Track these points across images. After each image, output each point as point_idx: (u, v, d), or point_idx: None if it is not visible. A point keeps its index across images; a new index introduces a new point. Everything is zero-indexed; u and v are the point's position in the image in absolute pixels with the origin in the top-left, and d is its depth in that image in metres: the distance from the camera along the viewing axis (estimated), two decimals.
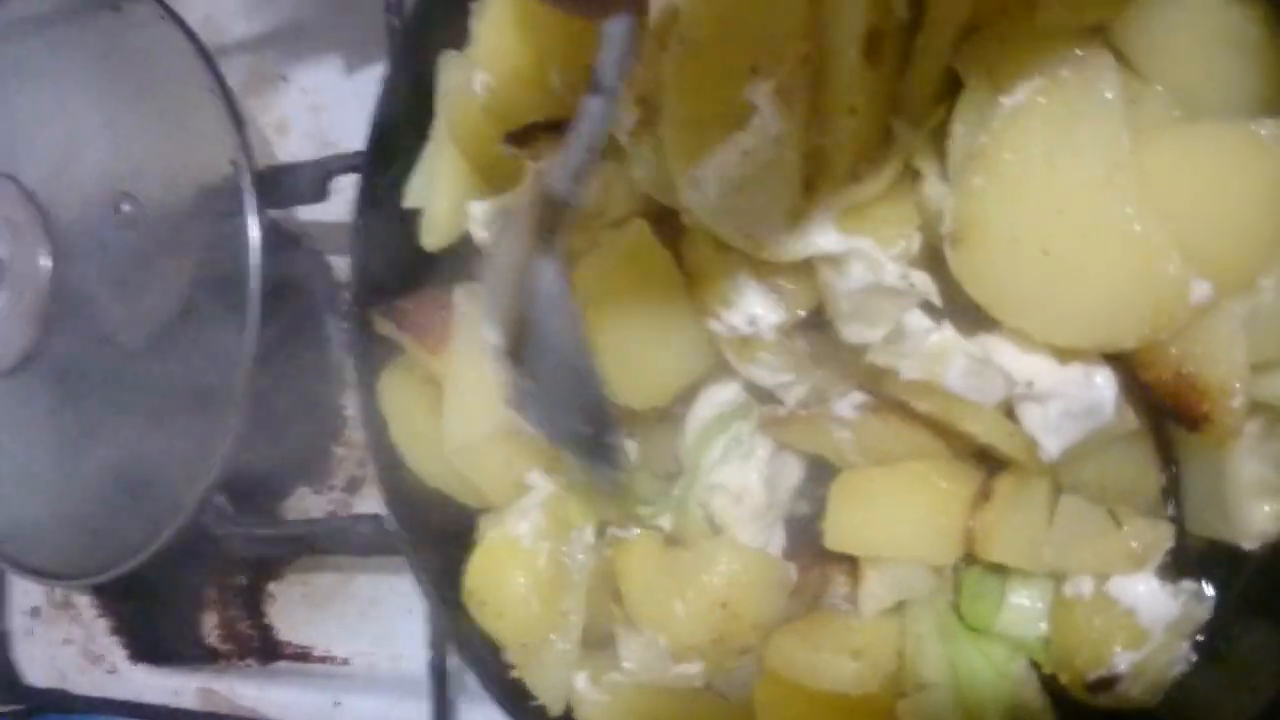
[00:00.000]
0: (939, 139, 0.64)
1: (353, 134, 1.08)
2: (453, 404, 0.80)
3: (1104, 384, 0.61)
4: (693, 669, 0.75)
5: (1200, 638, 0.67)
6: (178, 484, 1.02)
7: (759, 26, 0.62)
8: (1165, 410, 0.61)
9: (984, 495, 0.67)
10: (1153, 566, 0.65)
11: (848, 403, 0.68)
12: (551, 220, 0.60)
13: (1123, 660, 0.65)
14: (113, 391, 1.06)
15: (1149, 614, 0.65)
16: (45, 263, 1.05)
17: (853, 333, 0.66)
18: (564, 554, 0.78)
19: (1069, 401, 0.61)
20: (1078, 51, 0.58)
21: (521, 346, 0.66)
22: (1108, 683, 0.66)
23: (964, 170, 0.61)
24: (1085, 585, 0.66)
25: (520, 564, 0.77)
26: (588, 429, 0.69)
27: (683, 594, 0.72)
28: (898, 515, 0.68)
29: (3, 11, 1.12)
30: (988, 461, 0.69)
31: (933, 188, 0.64)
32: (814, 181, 0.64)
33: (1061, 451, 0.62)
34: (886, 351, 0.65)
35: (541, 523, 0.77)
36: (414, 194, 0.87)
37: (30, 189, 1.06)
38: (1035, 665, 0.70)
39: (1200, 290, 0.57)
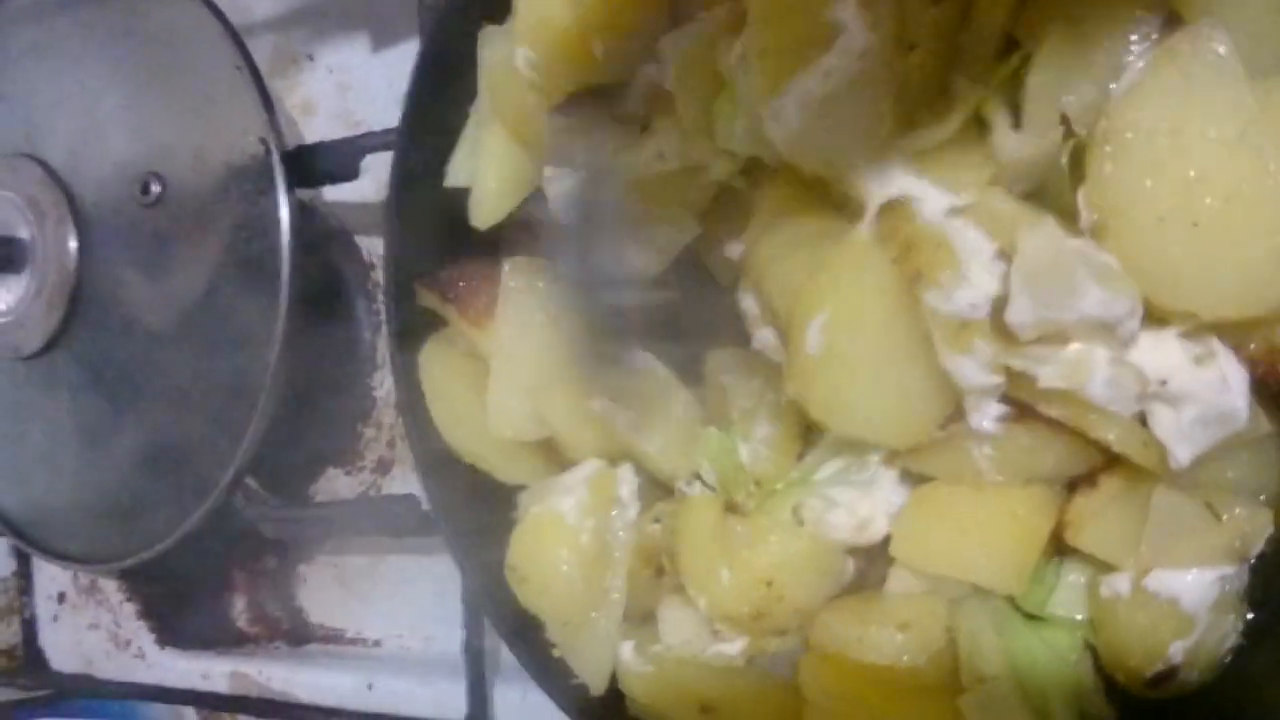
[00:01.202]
0: (1011, 88, 0.63)
1: (380, 113, 1.09)
2: (500, 379, 0.79)
3: (1238, 388, 0.59)
4: (732, 647, 0.75)
5: (1249, 614, 0.66)
6: (206, 467, 1.01)
7: None
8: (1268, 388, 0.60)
9: (1089, 483, 0.65)
10: (1253, 557, 0.64)
11: (987, 415, 0.64)
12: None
13: (1177, 651, 0.64)
14: (140, 374, 1.05)
15: (1191, 600, 0.64)
16: (71, 244, 1.05)
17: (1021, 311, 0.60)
18: (607, 530, 0.77)
19: (1204, 406, 0.59)
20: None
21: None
22: (1167, 676, 0.65)
23: (1090, 159, 0.60)
24: (1122, 583, 0.65)
25: (564, 540, 0.76)
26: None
27: (730, 562, 0.71)
28: (972, 540, 0.67)
29: None
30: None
31: (1004, 139, 0.62)
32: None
33: (1193, 460, 0.60)
34: (1026, 356, 0.61)
35: (586, 499, 0.77)
36: (456, 172, 0.85)
37: (55, 170, 1.06)
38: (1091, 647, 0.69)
39: None
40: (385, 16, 1.07)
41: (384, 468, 1.12)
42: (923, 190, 0.64)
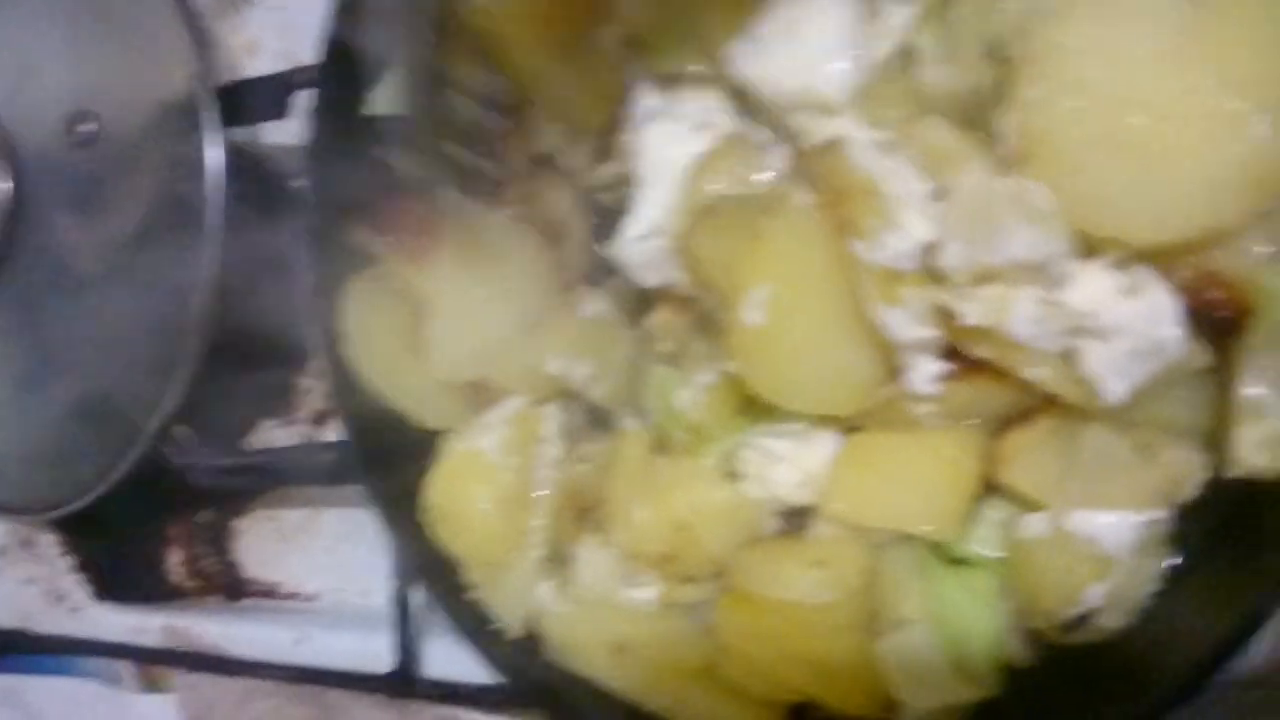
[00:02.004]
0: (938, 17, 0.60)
1: None
2: (444, 316, 0.77)
3: (1171, 317, 0.57)
4: (647, 592, 0.73)
5: (1175, 559, 0.64)
6: (138, 414, 0.99)
7: None
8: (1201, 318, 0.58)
9: (1025, 419, 0.63)
10: (1183, 501, 0.62)
11: (923, 375, 0.62)
12: None
13: (1094, 594, 0.62)
14: (73, 319, 1.03)
15: (1112, 542, 0.62)
16: (4, 184, 1.02)
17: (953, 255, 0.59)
18: (530, 469, 0.75)
19: (1135, 339, 0.57)
20: None
21: None
22: (1082, 619, 0.63)
23: (1012, 84, 0.58)
24: (1041, 523, 0.63)
25: (484, 479, 0.74)
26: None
27: (648, 501, 0.69)
28: (902, 488, 0.65)
29: None
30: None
31: (930, 70, 0.60)
32: None
33: (1127, 394, 0.58)
34: (949, 294, 0.59)
35: (508, 436, 0.74)
36: (376, 101, 0.83)
37: None
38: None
39: None
40: None
41: (320, 420, 1.10)
42: (849, 128, 0.62)
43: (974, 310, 0.58)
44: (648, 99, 0.69)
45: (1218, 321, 0.57)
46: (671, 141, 0.67)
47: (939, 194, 0.58)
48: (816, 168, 0.62)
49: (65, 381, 1.04)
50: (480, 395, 0.79)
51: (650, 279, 0.69)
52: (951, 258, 0.57)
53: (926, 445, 0.64)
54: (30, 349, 1.05)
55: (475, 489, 0.74)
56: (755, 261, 0.63)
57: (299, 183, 1.06)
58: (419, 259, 0.78)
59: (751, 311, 0.62)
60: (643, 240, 0.68)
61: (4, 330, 1.06)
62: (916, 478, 0.64)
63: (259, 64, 1.11)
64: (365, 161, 0.82)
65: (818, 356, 0.63)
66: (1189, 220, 0.55)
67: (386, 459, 0.83)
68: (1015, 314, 0.57)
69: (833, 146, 0.61)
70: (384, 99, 0.83)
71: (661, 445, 0.74)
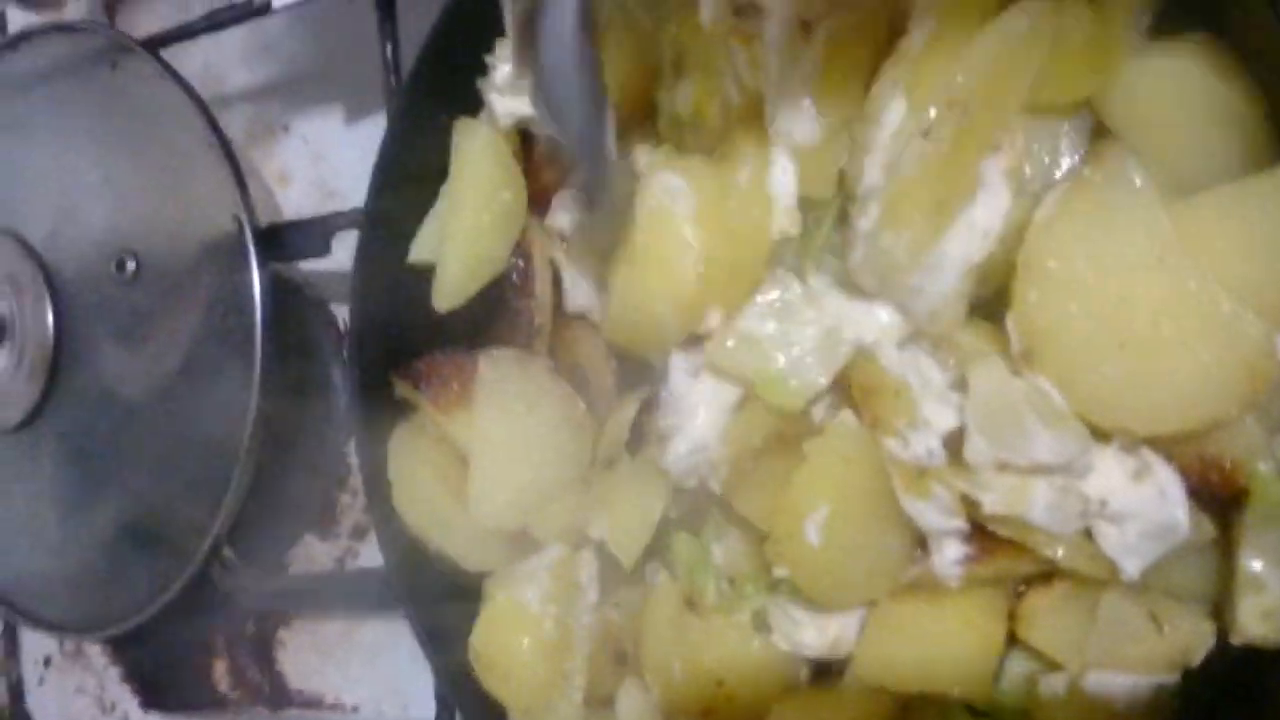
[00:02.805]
0: None
1: (354, 182, 1.08)
2: (482, 470, 0.80)
3: (1175, 497, 0.60)
4: None
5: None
6: (185, 537, 1.02)
7: None
8: (1205, 495, 0.61)
9: (1044, 580, 0.66)
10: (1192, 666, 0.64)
11: (949, 557, 0.65)
12: None
13: None
14: (120, 445, 1.07)
15: (1125, 701, 0.64)
16: (49, 319, 1.06)
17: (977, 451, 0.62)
18: (569, 616, 0.78)
19: (1146, 522, 0.60)
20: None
21: (529, 31, 0.60)
22: None
23: (1014, 287, 0.61)
24: (1060, 682, 0.65)
25: (527, 628, 0.77)
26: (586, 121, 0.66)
27: (684, 656, 0.72)
28: (933, 653, 0.67)
29: (2, 67, 1.12)
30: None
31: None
32: None
33: (1142, 571, 0.61)
34: (970, 482, 0.62)
35: (548, 585, 0.78)
36: (420, 248, 0.86)
37: (33, 245, 1.07)
38: None
39: None
40: (357, 89, 1.08)
41: (360, 533, 1.12)
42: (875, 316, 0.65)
43: (994, 500, 0.61)
44: (677, 360, 0.72)
45: (1220, 500, 0.60)
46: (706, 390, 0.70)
47: (958, 385, 0.61)
48: (850, 370, 0.66)
49: (115, 505, 1.08)
50: (522, 540, 0.81)
51: (695, 483, 0.72)
52: (976, 454, 0.60)
53: (952, 610, 0.67)
54: (81, 474, 1.09)
55: (518, 638, 0.77)
56: (807, 487, 0.66)
57: (343, 310, 1.11)
58: (456, 410, 0.82)
59: (810, 534, 0.66)
60: (688, 456, 0.70)
61: (55, 456, 1.10)
62: (944, 642, 0.67)
63: (292, 192, 1.15)
64: (407, 310, 0.85)
65: (863, 555, 0.67)
66: (1187, 414, 0.58)
67: (432, 596, 0.86)
68: (1033, 502, 0.60)
69: (864, 349, 0.65)
70: (425, 247, 0.86)
71: (691, 600, 0.77)
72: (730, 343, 0.68)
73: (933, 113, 0.61)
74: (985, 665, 0.67)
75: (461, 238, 0.83)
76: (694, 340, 0.71)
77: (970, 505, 0.63)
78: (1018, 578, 0.66)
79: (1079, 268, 0.58)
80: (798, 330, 0.66)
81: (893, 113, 0.63)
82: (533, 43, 0.59)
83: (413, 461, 0.84)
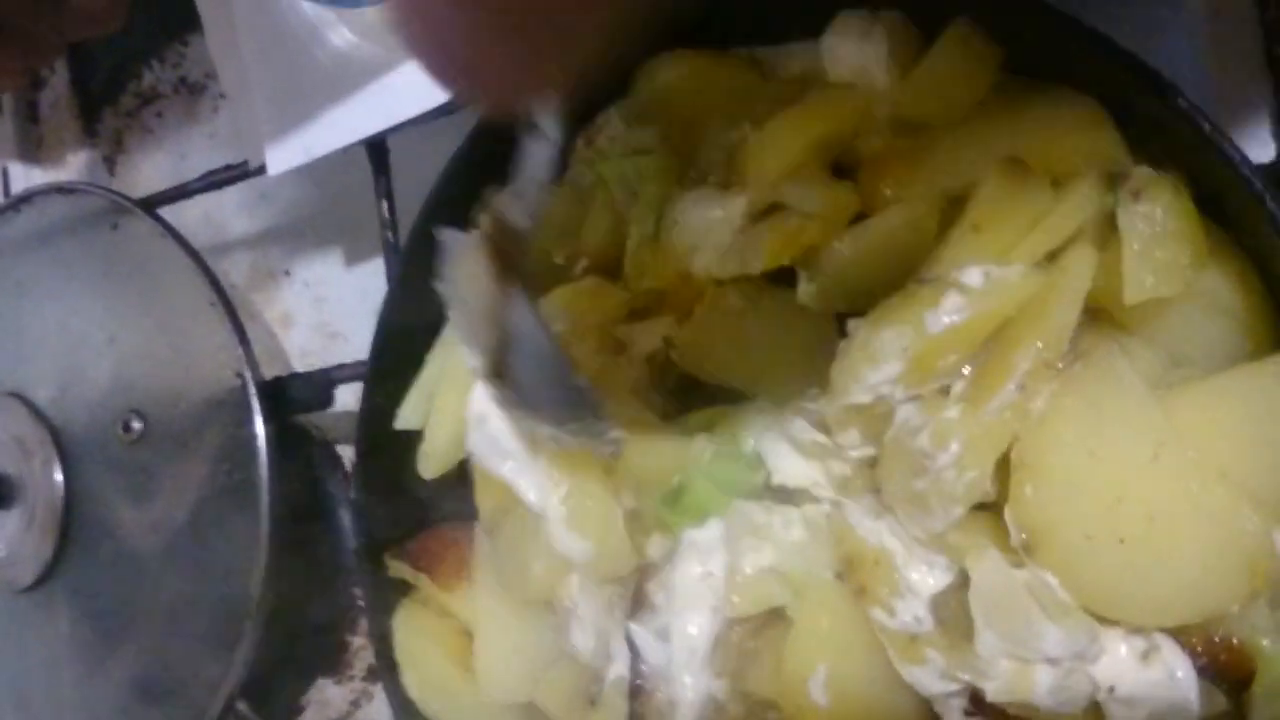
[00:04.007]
0: None
1: (356, 323, 1.11)
2: (487, 644, 0.80)
3: (1186, 679, 0.60)
4: None
5: None
6: (199, 690, 1.02)
7: None
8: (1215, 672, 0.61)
9: None
10: None
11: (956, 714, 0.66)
12: (513, 252, 0.61)
13: None
14: (132, 601, 1.07)
15: None
16: (57, 480, 1.06)
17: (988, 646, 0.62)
18: None
19: (1156, 703, 0.60)
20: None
21: (502, 364, 0.66)
22: None
23: (1012, 480, 0.61)
24: None
25: None
26: (572, 416, 0.69)
27: None
28: None
29: (2, 230, 1.14)
30: None
31: None
32: None
33: None
34: (971, 669, 0.62)
35: None
36: (408, 416, 0.86)
37: (39, 407, 1.08)
38: None
39: None
40: (356, 235, 1.10)
41: (373, 675, 1.12)
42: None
43: (996, 688, 0.61)
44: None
45: (1230, 679, 0.60)
46: (698, 576, 0.71)
47: (960, 581, 0.62)
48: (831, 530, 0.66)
49: (129, 662, 1.08)
50: (533, 712, 0.81)
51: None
52: (986, 649, 0.60)
53: None
54: (94, 632, 1.09)
55: None
56: (801, 649, 0.66)
57: (348, 450, 1.12)
58: (456, 585, 0.82)
59: (816, 694, 0.66)
60: (686, 659, 0.71)
61: (69, 615, 1.10)
62: None
63: (294, 334, 1.16)
64: (408, 489, 0.86)
65: (875, 709, 0.66)
66: (1188, 608, 0.58)
67: None
68: (1037, 687, 0.60)
69: (839, 513, 0.65)
70: (412, 416, 0.87)
71: None
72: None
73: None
74: None
75: (449, 407, 0.83)
76: None
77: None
78: None
79: (1074, 464, 0.58)
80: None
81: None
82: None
83: (420, 641, 0.84)
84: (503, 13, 0.44)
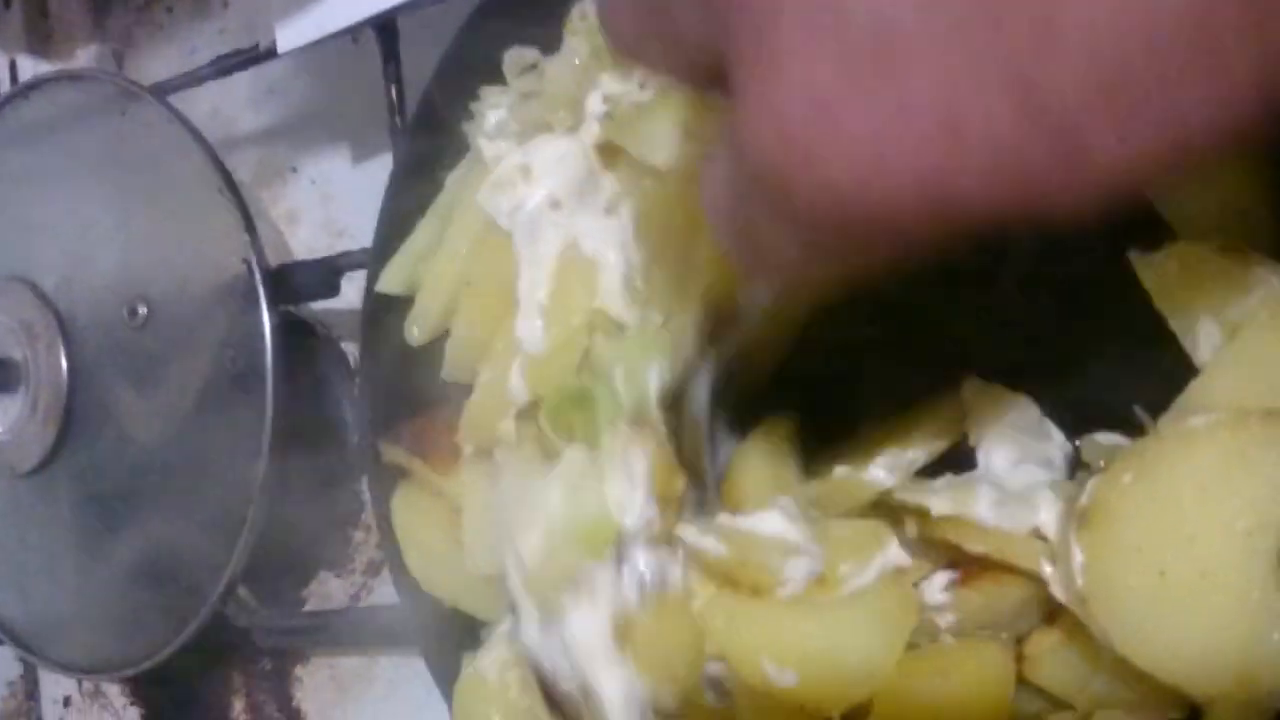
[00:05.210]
0: None
1: (362, 220, 1.10)
2: (474, 521, 0.79)
3: None
4: None
5: None
6: (200, 577, 1.03)
7: None
8: None
9: (1047, 620, 0.66)
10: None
11: (935, 585, 0.66)
12: None
13: None
14: (134, 488, 1.08)
15: None
16: (62, 365, 1.07)
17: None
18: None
19: None
20: None
21: None
22: None
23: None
24: None
25: (493, 700, 0.77)
26: None
27: None
28: (951, 704, 0.66)
29: (9, 118, 1.14)
30: None
31: None
32: None
33: None
34: (912, 490, 0.64)
35: (505, 655, 0.77)
36: (390, 279, 0.86)
37: (45, 292, 1.08)
38: None
39: None
40: (362, 131, 1.10)
41: (374, 569, 1.13)
42: None
43: (940, 502, 0.65)
44: None
45: None
46: None
47: None
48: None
49: (131, 547, 1.09)
50: None
51: None
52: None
53: (962, 659, 0.66)
54: (97, 517, 1.10)
55: (487, 711, 0.77)
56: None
57: (353, 346, 1.13)
58: (445, 470, 0.82)
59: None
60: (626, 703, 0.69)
61: (71, 500, 1.11)
62: (959, 691, 0.66)
63: (299, 231, 1.16)
64: (414, 372, 0.86)
65: None
66: (1174, 667, 0.58)
67: (443, 632, 0.86)
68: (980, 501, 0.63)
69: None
70: (396, 279, 0.86)
71: None
72: None
73: None
74: (999, 709, 0.66)
75: (444, 274, 0.83)
76: None
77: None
78: (1015, 617, 0.66)
79: (1182, 488, 0.58)
80: None
81: None
82: None
83: (416, 520, 0.85)
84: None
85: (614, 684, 0.66)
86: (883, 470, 0.70)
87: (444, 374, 0.83)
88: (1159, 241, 0.64)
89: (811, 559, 0.66)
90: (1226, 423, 0.57)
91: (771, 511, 0.67)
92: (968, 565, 0.66)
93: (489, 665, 0.77)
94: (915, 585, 0.67)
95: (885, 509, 0.70)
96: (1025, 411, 0.70)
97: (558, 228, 0.75)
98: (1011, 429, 0.69)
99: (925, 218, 0.37)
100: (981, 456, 0.69)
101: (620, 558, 0.66)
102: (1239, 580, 0.56)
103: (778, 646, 0.65)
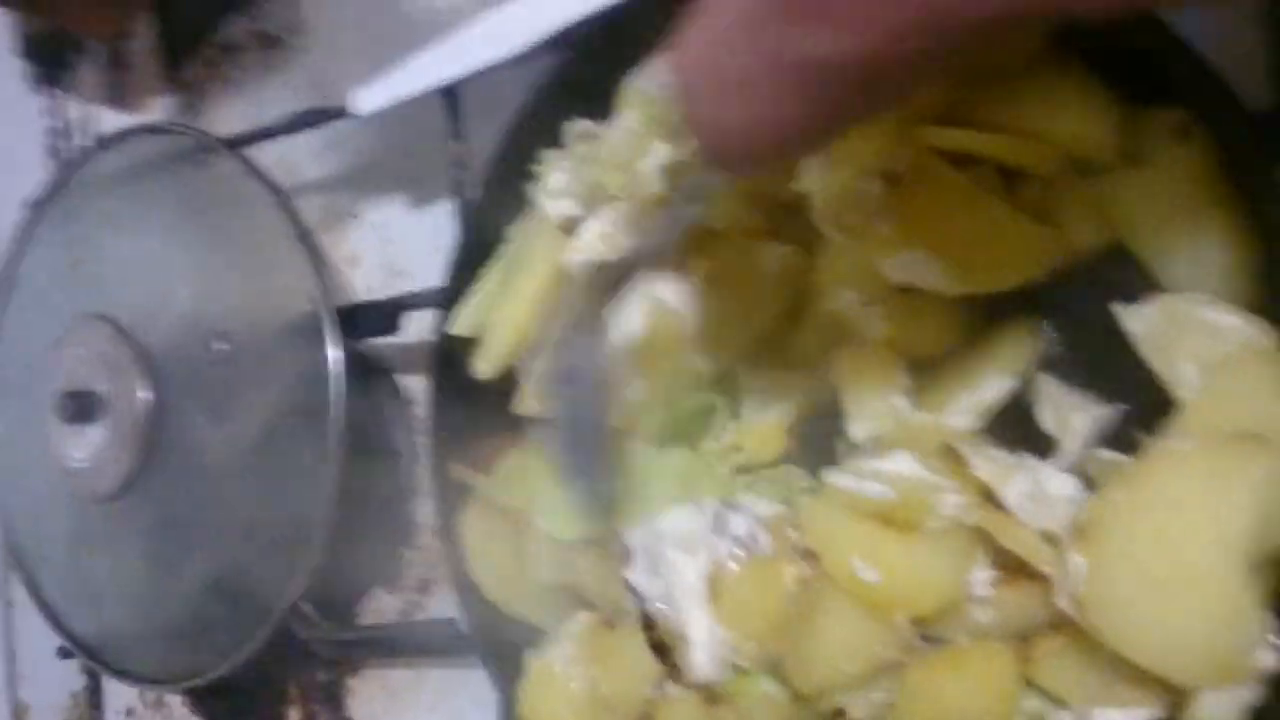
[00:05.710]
0: None
1: (418, 262, 1.20)
2: (536, 530, 0.88)
3: None
4: None
5: None
6: (268, 594, 1.11)
7: None
8: None
9: (1053, 625, 0.73)
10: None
11: (979, 581, 0.74)
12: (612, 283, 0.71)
13: None
14: (207, 511, 1.16)
15: None
16: (144, 396, 1.16)
17: None
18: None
19: None
20: None
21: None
22: None
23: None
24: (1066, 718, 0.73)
25: (559, 690, 0.86)
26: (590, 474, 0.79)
27: None
28: (964, 701, 0.74)
29: (94, 167, 1.23)
30: None
31: None
32: None
33: None
34: (972, 445, 0.74)
35: (571, 651, 0.86)
36: (463, 321, 0.95)
37: (128, 329, 1.17)
38: None
39: (1268, 659, 0.65)
40: (421, 179, 1.18)
41: (425, 587, 1.21)
42: None
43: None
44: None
45: None
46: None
47: None
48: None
49: (202, 567, 1.17)
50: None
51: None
52: None
53: (975, 661, 0.74)
54: (171, 539, 1.18)
55: (555, 705, 0.86)
56: None
57: (407, 380, 1.21)
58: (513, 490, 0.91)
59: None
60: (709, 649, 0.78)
61: (147, 521, 1.19)
62: (973, 691, 0.74)
63: (361, 274, 1.24)
64: (477, 402, 0.95)
65: None
66: (1155, 656, 0.66)
67: (507, 652, 0.94)
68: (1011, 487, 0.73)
69: None
70: (467, 322, 0.95)
71: (710, 697, 0.82)
72: None
73: None
74: (1007, 707, 0.74)
75: (510, 316, 0.91)
76: None
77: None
78: (1035, 623, 0.74)
79: (1170, 490, 0.67)
80: None
81: None
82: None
83: (482, 535, 0.94)
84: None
85: (701, 631, 0.76)
86: (957, 415, 0.78)
87: (515, 408, 0.92)
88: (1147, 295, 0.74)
89: (956, 495, 0.74)
90: (1203, 448, 0.67)
91: (901, 454, 0.76)
92: (1008, 568, 0.74)
93: (556, 658, 0.85)
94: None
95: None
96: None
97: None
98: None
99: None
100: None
101: (720, 516, 0.77)
102: (1216, 583, 0.64)
103: (869, 550, 0.75)
